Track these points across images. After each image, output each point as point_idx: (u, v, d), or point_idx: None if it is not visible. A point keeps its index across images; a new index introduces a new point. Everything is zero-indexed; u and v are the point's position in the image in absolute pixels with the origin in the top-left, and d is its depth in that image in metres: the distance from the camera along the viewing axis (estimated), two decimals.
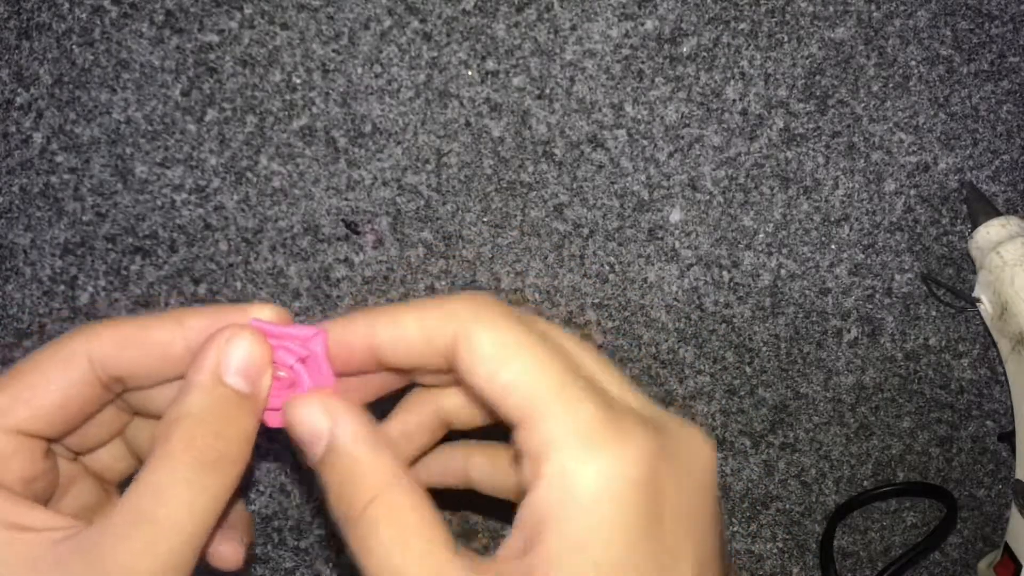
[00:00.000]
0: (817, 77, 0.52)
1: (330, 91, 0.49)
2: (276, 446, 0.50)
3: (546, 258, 0.51)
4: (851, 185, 0.52)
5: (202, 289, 0.48)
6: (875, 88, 0.52)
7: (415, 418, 0.31)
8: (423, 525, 0.25)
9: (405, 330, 0.27)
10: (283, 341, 0.28)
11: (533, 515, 0.24)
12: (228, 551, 0.31)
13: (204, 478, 0.25)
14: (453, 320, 0.26)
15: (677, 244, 0.51)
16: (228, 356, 0.27)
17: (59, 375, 0.27)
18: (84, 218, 0.48)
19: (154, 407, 0.30)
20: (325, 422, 0.26)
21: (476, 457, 0.33)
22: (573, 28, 0.50)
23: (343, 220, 0.49)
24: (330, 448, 0.26)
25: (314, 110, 0.48)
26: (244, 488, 0.49)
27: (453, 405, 0.31)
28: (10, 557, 0.25)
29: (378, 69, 0.49)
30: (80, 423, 0.29)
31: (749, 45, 0.51)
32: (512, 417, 0.25)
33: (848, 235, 0.53)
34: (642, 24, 0.50)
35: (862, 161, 0.52)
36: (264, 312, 0.28)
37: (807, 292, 0.53)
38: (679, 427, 0.27)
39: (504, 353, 0.25)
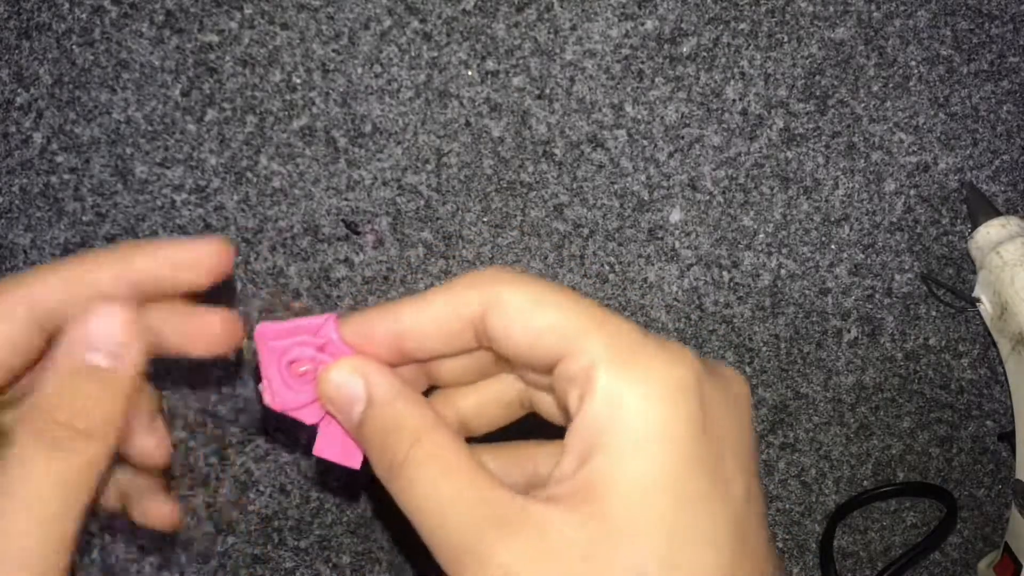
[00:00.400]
0: (817, 77, 0.52)
1: (330, 91, 0.49)
2: (276, 446, 0.50)
3: (546, 258, 0.51)
4: (851, 185, 0.52)
5: None
6: (875, 88, 0.52)
7: None
8: (466, 461, 0.25)
9: (431, 309, 0.27)
10: (296, 337, 0.28)
11: (585, 433, 0.24)
12: (157, 511, 0.31)
13: (62, 457, 0.25)
14: (478, 288, 0.27)
15: (677, 244, 0.51)
16: (86, 332, 0.26)
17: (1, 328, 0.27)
18: (84, 218, 0.48)
19: None
20: (360, 383, 0.27)
21: (482, 456, 0.34)
22: (573, 28, 0.50)
23: (343, 220, 0.49)
24: (369, 406, 0.27)
25: (314, 110, 0.48)
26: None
27: (470, 406, 0.31)
28: None
29: (378, 69, 0.49)
30: (24, 371, 0.28)
31: (749, 45, 0.51)
32: (552, 356, 0.26)
33: (848, 235, 0.53)
34: (642, 24, 0.50)
35: (862, 161, 0.52)
36: (211, 246, 0.28)
37: (807, 292, 0.53)
38: (714, 361, 0.28)
39: (535, 303, 0.26)
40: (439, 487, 0.25)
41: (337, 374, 0.27)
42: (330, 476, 0.50)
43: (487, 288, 0.26)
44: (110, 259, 0.28)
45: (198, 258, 0.28)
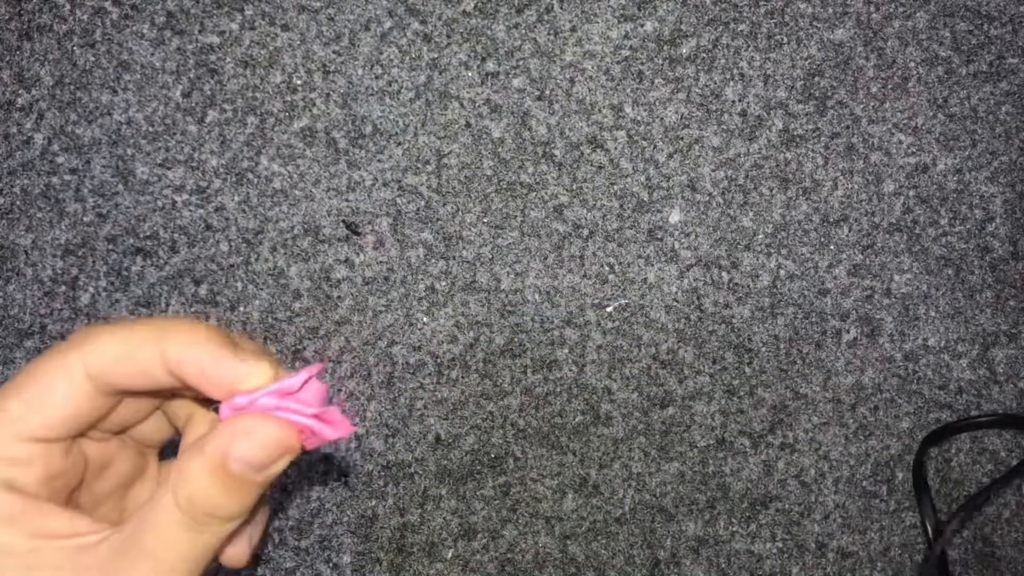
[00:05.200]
0: (816, 78, 0.52)
1: (331, 92, 0.49)
2: None
3: (546, 258, 0.51)
4: (850, 186, 0.52)
5: (203, 290, 0.48)
6: (874, 89, 0.52)
7: None
8: None
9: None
10: (284, 400, 0.29)
11: None
12: (234, 552, 0.32)
13: (198, 532, 0.28)
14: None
15: (676, 245, 0.51)
16: (239, 448, 0.28)
17: (63, 387, 0.28)
18: (85, 219, 0.48)
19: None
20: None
21: None
22: (573, 30, 0.50)
23: (344, 221, 0.49)
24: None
25: (315, 111, 0.49)
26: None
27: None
28: (36, 565, 0.27)
29: (378, 70, 0.49)
30: (94, 423, 0.30)
31: (748, 46, 0.51)
32: None
33: (847, 236, 0.53)
34: (642, 25, 0.50)
35: (861, 162, 0.52)
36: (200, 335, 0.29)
37: (806, 293, 0.53)
38: None
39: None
40: None
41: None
42: (330, 476, 0.50)
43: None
44: (148, 339, 0.29)
45: (232, 378, 0.29)
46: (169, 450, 0.35)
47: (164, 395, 0.31)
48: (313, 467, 0.50)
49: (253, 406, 0.29)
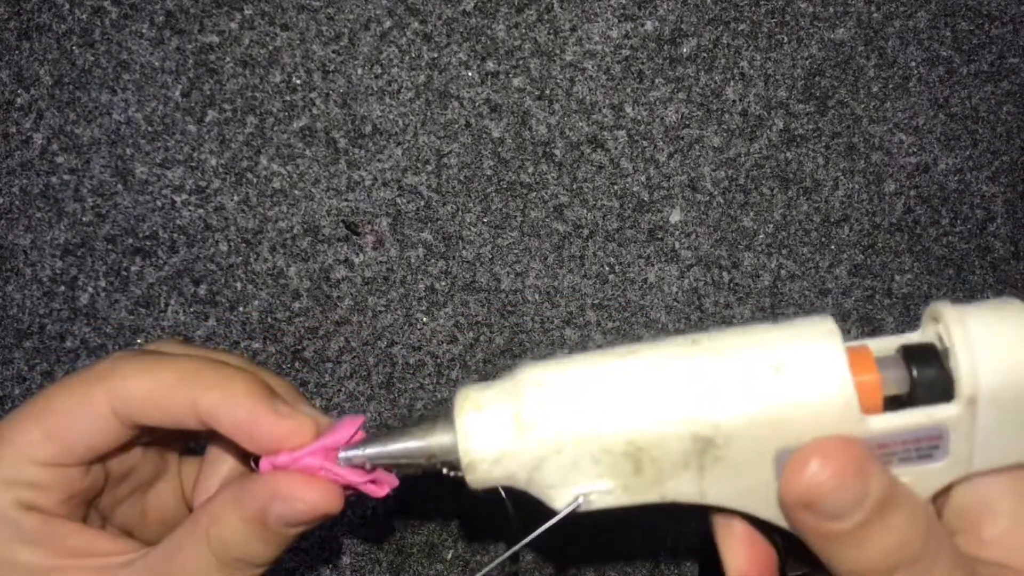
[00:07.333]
0: (817, 78, 0.52)
1: (330, 92, 0.49)
2: None
3: (546, 259, 0.51)
4: (851, 186, 0.52)
5: (202, 290, 0.48)
6: (875, 89, 0.52)
7: None
8: None
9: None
10: (329, 459, 0.28)
11: None
12: None
13: (225, 572, 0.28)
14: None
15: (677, 245, 0.51)
16: (281, 508, 0.27)
17: (86, 420, 0.28)
18: (84, 219, 0.48)
19: None
20: (863, 484, 0.24)
21: None
22: (573, 29, 0.50)
23: (343, 221, 0.49)
24: (882, 504, 0.24)
25: (314, 111, 0.48)
26: None
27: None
28: None
29: (378, 70, 0.49)
30: (115, 452, 0.30)
31: (749, 46, 0.51)
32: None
33: (848, 236, 0.53)
34: (642, 25, 0.50)
35: (862, 162, 0.52)
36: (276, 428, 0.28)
37: (807, 293, 0.53)
38: None
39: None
40: None
41: (839, 477, 0.25)
42: None
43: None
44: (179, 391, 0.28)
45: (261, 433, 0.28)
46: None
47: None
48: None
49: (296, 464, 0.28)
